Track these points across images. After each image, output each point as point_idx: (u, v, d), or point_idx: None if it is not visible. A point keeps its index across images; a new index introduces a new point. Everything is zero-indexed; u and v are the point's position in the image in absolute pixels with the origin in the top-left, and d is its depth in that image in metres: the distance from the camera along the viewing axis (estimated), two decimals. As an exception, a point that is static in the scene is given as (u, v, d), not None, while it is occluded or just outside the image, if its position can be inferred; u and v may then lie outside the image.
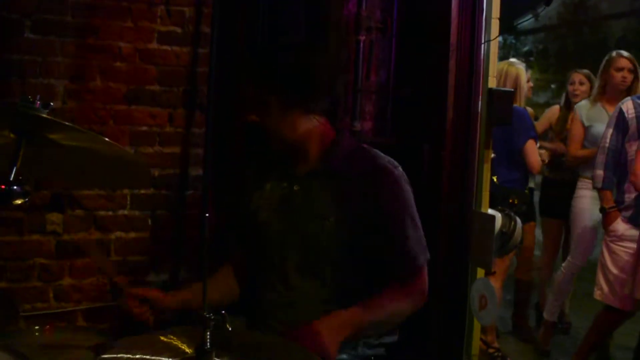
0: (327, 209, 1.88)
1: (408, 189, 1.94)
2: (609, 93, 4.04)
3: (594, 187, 3.71)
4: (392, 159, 1.97)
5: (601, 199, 3.61)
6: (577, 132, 4.11)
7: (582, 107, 4.14)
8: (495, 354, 3.79)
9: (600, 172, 3.58)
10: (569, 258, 4.09)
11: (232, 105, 3.11)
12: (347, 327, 1.76)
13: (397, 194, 1.90)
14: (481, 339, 3.56)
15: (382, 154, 1.98)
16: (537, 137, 3.99)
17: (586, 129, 4.06)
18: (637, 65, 4.00)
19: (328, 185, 1.90)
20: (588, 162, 3.96)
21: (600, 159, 3.60)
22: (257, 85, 1.87)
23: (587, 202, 4.00)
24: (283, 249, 1.95)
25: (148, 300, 1.95)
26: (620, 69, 3.97)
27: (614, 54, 4.06)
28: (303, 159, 1.94)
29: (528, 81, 4.27)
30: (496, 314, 2.98)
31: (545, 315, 4.11)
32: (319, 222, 1.88)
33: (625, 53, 4.05)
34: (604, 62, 4.06)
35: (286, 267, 1.94)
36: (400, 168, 1.95)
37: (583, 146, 4.09)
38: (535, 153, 3.88)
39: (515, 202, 3.63)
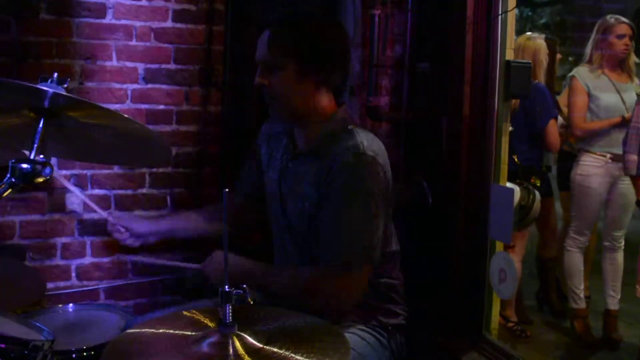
0: (307, 191, 1.87)
1: (369, 180, 1.78)
2: (609, 61, 3.80)
3: (627, 174, 3.47)
4: (368, 145, 1.81)
5: (636, 187, 3.38)
6: (581, 101, 3.82)
7: (583, 75, 3.85)
8: (515, 327, 3.78)
9: (634, 157, 3.30)
10: (571, 235, 3.90)
11: (248, 82, 3.10)
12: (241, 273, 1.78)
13: (345, 181, 1.77)
14: (500, 314, 3.55)
15: (360, 138, 1.82)
16: (557, 116, 3.88)
17: (591, 98, 3.82)
18: (635, 31, 3.78)
19: (307, 166, 1.89)
20: (597, 136, 3.79)
21: (634, 141, 3.32)
22: (277, 46, 1.81)
23: (597, 180, 3.78)
24: (281, 227, 1.99)
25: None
26: (622, 36, 3.75)
27: (612, 20, 3.79)
28: (301, 137, 1.93)
29: (556, 53, 4.14)
30: (515, 288, 2.96)
31: (572, 303, 3.90)
32: (296, 203, 1.90)
33: (622, 18, 3.80)
34: (600, 28, 3.81)
35: (285, 244, 1.99)
36: (371, 156, 1.79)
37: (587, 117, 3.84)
38: (556, 133, 3.77)
39: (538, 184, 3.59)
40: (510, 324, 3.77)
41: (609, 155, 3.75)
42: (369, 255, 1.78)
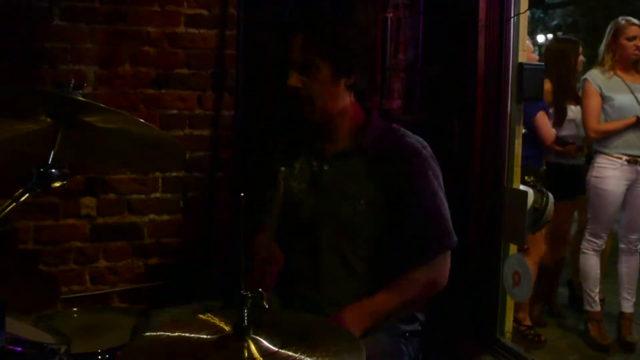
0: (359, 190, 1.87)
1: (436, 169, 1.91)
2: (621, 63, 3.77)
3: None
4: (420, 139, 1.94)
5: None
6: (594, 103, 3.78)
7: (596, 77, 3.82)
8: (527, 331, 3.74)
9: None
10: (587, 237, 3.85)
11: (261, 86, 3.12)
12: (370, 317, 1.78)
13: (425, 175, 1.87)
14: (513, 317, 3.52)
15: (410, 134, 1.95)
16: (547, 108, 3.82)
17: (604, 100, 3.77)
18: None
19: (358, 165, 1.89)
20: (612, 137, 3.73)
21: None
22: (313, 47, 1.82)
23: (614, 183, 3.72)
24: (314, 230, 1.94)
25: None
26: (632, 38, 3.71)
27: (622, 21, 3.75)
28: (333, 138, 1.93)
29: (580, 54, 4.12)
30: (530, 291, 2.95)
31: (586, 306, 3.84)
32: (350, 203, 1.87)
33: (634, 20, 3.76)
34: (611, 30, 3.78)
35: (317, 248, 1.94)
36: (429, 148, 1.93)
37: (600, 119, 3.80)
38: (547, 125, 3.74)
39: (531, 179, 3.56)
40: (523, 328, 3.73)
41: (624, 157, 3.71)
42: (454, 237, 1.90)
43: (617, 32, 3.77)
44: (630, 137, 3.71)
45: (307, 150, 1.99)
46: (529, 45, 3.81)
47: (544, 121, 3.74)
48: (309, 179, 1.96)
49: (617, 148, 3.75)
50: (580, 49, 4.13)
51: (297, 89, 1.83)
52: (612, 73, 3.79)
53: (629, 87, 3.74)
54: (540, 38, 9.83)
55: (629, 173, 3.73)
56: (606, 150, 3.79)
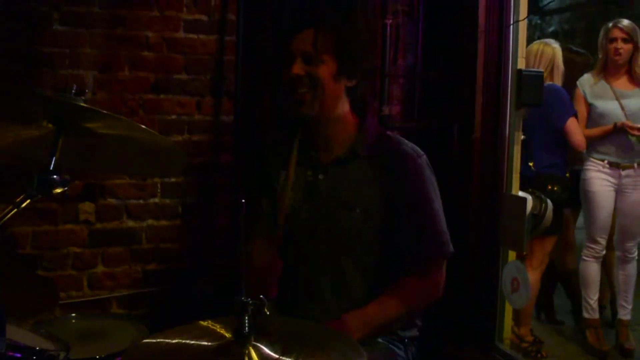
0: (355, 198, 1.87)
1: (432, 177, 1.91)
2: (609, 67, 3.76)
3: None
4: (416, 146, 1.94)
5: None
6: (580, 110, 3.79)
7: (585, 82, 3.84)
8: (529, 347, 3.69)
9: None
10: (586, 243, 3.85)
11: (260, 91, 3.12)
12: (366, 326, 1.79)
13: (420, 182, 1.88)
14: (514, 333, 3.49)
15: (406, 141, 1.95)
16: (577, 115, 3.76)
17: (589, 106, 3.79)
18: (638, 33, 3.68)
19: (354, 173, 1.89)
20: (596, 142, 3.76)
21: None
22: (322, 41, 1.82)
23: (598, 184, 3.75)
24: (311, 239, 1.93)
25: None
26: (613, 40, 3.70)
27: (610, 24, 3.72)
28: (329, 146, 1.92)
29: (583, 66, 4.12)
30: (529, 298, 2.95)
31: (584, 313, 3.84)
32: (347, 211, 1.87)
33: (623, 22, 3.73)
34: (601, 33, 3.78)
35: (314, 258, 1.94)
36: (424, 156, 1.92)
37: (587, 125, 3.81)
38: (578, 131, 3.66)
39: (555, 189, 3.55)
40: (525, 345, 3.68)
41: (605, 161, 3.74)
42: (449, 246, 1.91)
43: (603, 35, 3.77)
44: (611, 144, 3.71)
45: (302, 159, 1.98)
46: (559, 50, 3.76)
47: (575, 127, 3.66)
48: (304, 188, 1.95)
49: (599, 154, 3.77)
50: (587, 61, 4.13)
51: (299, 78, 1.82)
52: (600, 78, 3.78)
53: (615, 93, 3.73)
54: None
55: (611, 177, 3.74)
56: (590, 155, 3.82)
